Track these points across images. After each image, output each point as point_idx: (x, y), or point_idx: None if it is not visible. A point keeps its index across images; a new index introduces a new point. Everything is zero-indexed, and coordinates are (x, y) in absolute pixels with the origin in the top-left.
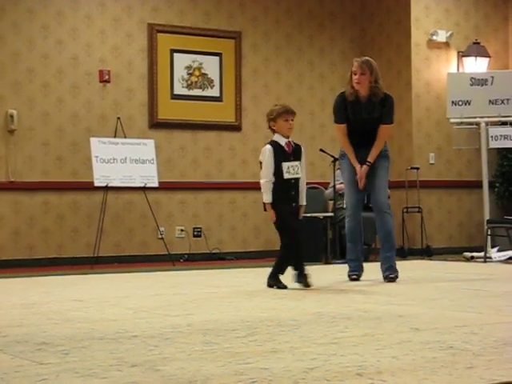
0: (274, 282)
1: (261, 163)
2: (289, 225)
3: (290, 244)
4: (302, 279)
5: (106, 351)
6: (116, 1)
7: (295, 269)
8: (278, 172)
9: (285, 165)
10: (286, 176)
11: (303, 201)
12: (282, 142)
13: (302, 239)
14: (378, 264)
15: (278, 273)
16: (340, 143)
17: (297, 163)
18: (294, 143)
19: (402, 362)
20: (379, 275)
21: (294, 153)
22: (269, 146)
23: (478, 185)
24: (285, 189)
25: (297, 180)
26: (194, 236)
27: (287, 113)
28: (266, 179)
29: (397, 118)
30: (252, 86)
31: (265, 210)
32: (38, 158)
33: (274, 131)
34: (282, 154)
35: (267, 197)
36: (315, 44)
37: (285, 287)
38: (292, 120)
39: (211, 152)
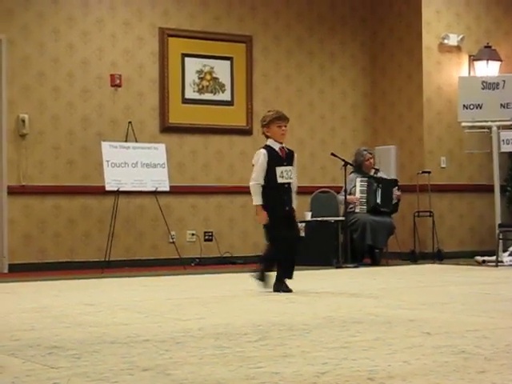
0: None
1: (253, 166)
2: (279, 237)
3: (276, 253)
4: (282, 287)
5: (118, 355)
6: (127, 5)
7: (282, 275)
8: (271, 176)
9: (278, 169)
10: (280, 180)
11: (295, 204)
12: (276, 147)
13: (296, 247)
14: (390, 268)
15: (267, 270)
16: None
17: (290, 168)
18: (287, 148)
19: (413, 367)
20: (391, 279)
21: (287, 158)
22: (263, 150)
23: (489, 189)
24: (278, 193)
25: (289, 185)
26: (205, 240)
27: (280, 119)
28: (255, 182)
29: (408, 122)
30: (263, 89)
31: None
32: (48, 162)
33: (267, 137)
34: (276, 159)
35: (258, 199)
36: (326, 48)
37: (290, 291)
38: (285, 126)
39: (222, 156)
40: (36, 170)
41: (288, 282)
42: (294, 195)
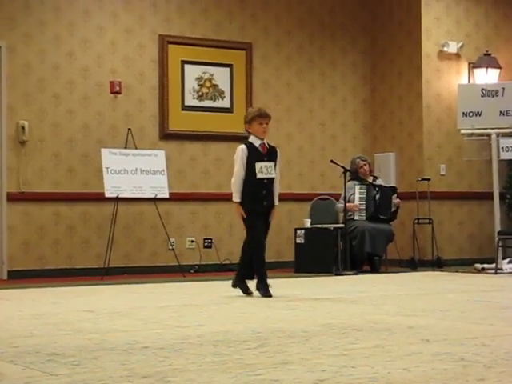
0: (240, 285)
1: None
2: (255, 225)
3: (251, 242)
4: (261, 287)
5: (117, 362)
6: (128, 12)
7: (255, 274)
8: (251, 171)
9: (258, 165)
10: (259, 176)
11: (276, 201)
12: (257, 143)
13: (264, 244)
14: (389, 275)
15: (243, 272)
16: None
17: (270, 164)
18: (270, 145)
19: (412, 374)
20: (390, 286)
21: (269, 154)
22: (243, 146)
23: (488, 196)
24: (256, 188)
25: (270, 180)
26: (205, 247)
27: (261, 116)
28: (236, 178)
29: (407, 129)
30: (263, 96)
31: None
32: (48, 169)
33: (249, 133)
34: (256, 154)
35: (236, 196)
36: (326, 55)
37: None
38: (266, 123)
39: (222, 163)
40: (36, 176)
41: (282, 287)
42: (276, 191)
